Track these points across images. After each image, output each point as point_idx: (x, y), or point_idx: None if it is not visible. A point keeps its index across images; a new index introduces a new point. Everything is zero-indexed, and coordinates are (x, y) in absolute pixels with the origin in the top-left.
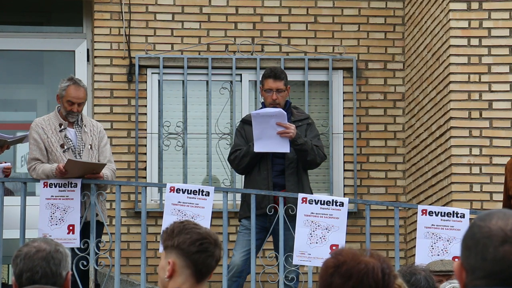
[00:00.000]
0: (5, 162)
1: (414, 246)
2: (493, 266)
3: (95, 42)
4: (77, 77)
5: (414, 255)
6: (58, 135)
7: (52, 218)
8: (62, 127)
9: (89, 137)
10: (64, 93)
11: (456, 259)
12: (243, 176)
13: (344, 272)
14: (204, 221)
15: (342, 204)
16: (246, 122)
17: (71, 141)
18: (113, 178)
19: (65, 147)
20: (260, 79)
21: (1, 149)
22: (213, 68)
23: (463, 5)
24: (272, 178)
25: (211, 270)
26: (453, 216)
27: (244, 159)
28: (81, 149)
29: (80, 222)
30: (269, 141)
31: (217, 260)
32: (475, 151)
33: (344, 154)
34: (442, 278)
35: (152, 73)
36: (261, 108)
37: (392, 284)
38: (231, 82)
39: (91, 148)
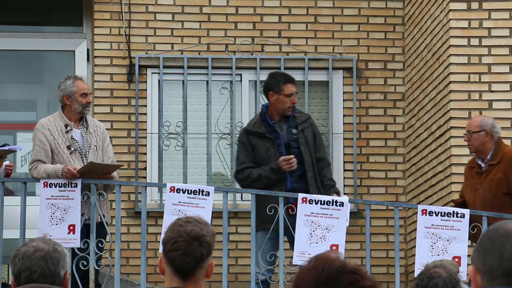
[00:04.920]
0: (6, 160)
1: (414, 246)
2: (511, 263)
3: (95, 42)
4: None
5: (414, 255)
6: (64, 137)
7: (52, 218)
8: (68, 128)
9: (93, 137)
10: (75, 89)
11: (456, 259)
12: None
13: (311, 258)
14: None
15: (342, 204)
16: (251, 133)
17: (77, 142)
18: (117, 178)
19: (72, 148)
20: (271, 84)
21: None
22: (213, 68)
23: (463, 5)
24: (292, 184)
25: (191, 268)
26: (453, 216)
27: (257, 184)
28: (87, 150)
29: (81, 222)
30: None
31: (196, 257)
32: None
33: (344, 154)
34: None
35: (152, 73)
36: (263, 111)
37: (355, 285)
38: (231, 82)
39: (96, 149)
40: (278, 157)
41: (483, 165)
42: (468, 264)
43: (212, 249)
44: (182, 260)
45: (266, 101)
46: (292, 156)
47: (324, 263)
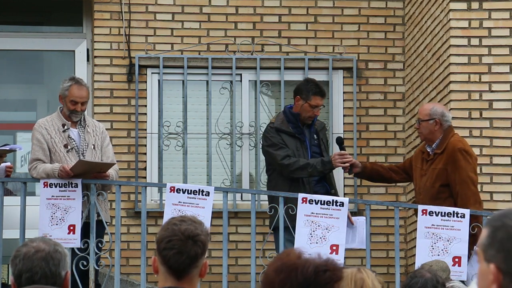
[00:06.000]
0: (5, 162)
1: (414, 246)
2: None
3: (95, 42)
4: (79, 77)
5: (414, 255)
6: (61, 136)
7: (52, 218)
8: (65, 127)
9: (92, 137)
10: (67, 93)
11: (456, 259)
12: (273, 179)
13: (276, 268)
14: (204, 221)
15: (342, 204)
16: (282, 131)
17: (74, 141)
18: (116, 177)
19: (69, 147)
20: (302, 89)
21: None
22: (213, 68)
23: (463, 5)
24: (313, 187)
25: (185, 267)
26: (453, 216)
27: (300, 172)
28: (84, 149)
29: (81, 222)
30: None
31: (190, 256)
32: (475, 151)
33: None
34: None
35: (152, 73)
36: (290, 112)
37: (331, 283)
38: (231, 82)
39: (94, 148)
40: (307, 158)
41: (430, 152)
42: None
43: (207, 248)
44: (176, 259)
45: (266, 101)
46: (347, 152)
47: (295, 270)
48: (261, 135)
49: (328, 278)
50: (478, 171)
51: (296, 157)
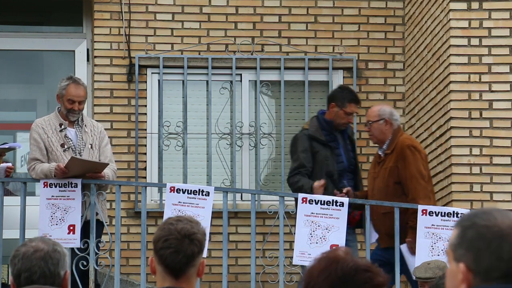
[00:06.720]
0: (7, 162)
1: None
2: (510, 265)
3: (95, 42)
4: (77, 77)
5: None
6: (58, 135)
7: (52, 218)
8: (63, 126)
9: (89, 137)
10: (64, 92)
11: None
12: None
13: (320, 258)
14: (204, 221)
15: (342, 204)
16: (315, 139)
17: (71, 140)
18: (114, 178)
19: (65, 146)
20: (337, 96)
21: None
22: (213, 68)
23: (463, 5)
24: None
25: (182, 266)
26: (453, 216)
27: (297, 191)
28: (82, 148)
29: (81, 222)
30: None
31: (187, 255)
32: (475, 151)
33: None
34: (424, 283)
35: (152, 73)
36: (323, 118)
37: (370, 284)
38: (231, 82)
39: (91, 147)
40: (335, 166)
41: (381, 154)
42: None
43: (203, 247)
44: (173, 258)
45: (266, 101)
46: (324, 182)
47: (336, 263)
48: (261, 135)
49: (368, 278)
50: (478, 171)
51: (323, 167)
